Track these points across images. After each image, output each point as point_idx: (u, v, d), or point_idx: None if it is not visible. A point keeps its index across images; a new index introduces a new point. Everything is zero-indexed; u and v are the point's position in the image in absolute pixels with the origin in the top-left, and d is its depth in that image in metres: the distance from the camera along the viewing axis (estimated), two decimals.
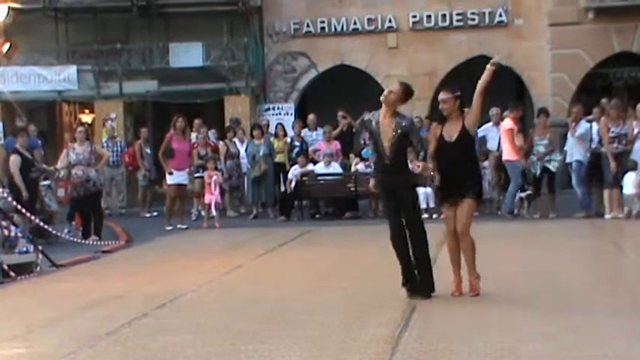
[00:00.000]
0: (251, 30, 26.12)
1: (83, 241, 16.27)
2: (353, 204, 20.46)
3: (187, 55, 25.56)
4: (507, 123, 18.33)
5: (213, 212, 19.04)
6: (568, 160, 18.57)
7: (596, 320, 8.31)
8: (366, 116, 9.98)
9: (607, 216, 17.66)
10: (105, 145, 22.25)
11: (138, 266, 13.62)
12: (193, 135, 21.26)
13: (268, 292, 10.61)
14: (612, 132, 17.73)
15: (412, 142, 9.78)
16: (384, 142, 9.63)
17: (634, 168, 17.45)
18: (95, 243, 16.21)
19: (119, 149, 22.89)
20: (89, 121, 26.19)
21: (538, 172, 18.35)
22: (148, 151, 22.78)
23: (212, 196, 19.19)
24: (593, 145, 18.17)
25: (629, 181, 17.37)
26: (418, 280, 9.63)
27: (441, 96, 9.80)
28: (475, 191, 9.75)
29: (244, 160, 21.39)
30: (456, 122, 9.61)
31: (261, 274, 12.38)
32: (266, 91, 26.56)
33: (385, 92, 9.76)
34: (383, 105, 9.73)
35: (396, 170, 9.66)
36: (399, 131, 9.56)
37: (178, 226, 18.84)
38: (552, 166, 18.38)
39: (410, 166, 10.04)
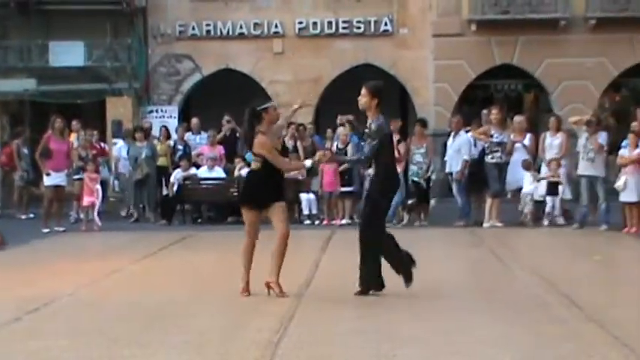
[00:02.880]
0: (135, 31, 25.81)
1: None
2: (235, 209, 20.31)
3: (68, 54, 25.11)
4: None
5: (96, 218, 18.74)
6: (448, 169, 18.82)
7: (471, 326, 8.41)
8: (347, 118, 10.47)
9: (485, 225, 17.98)
10: None
11: (12, 269, 13.23)
12: (73, 136, 20.87)
13: (147, 296, 10.43)
14: (496, 137, 18.06)
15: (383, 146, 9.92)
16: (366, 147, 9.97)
17: (528, 168, 17.89)
18: None
19: None
20: None
21: (420, 181, 18.55)
22: (26, 151, 22.21)
23: (91, 199, 18.86)
24: (474, 155, 18.48)
25: (527, 180, 17.79)
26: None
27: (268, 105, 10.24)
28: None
29: (126, 163, 21.11)
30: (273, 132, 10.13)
31: (140, 279, 12.19)
32: (149, 93, 26.28)
33: (359, 100, 9.91)
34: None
35: (375, 174, 10.00)
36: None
37: (56, 228, 18.44)
38: (423, 178, 18.58)
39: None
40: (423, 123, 19.40)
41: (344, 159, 10.18)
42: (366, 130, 10.01)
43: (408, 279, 9.95)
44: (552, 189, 17.84)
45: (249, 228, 10.20)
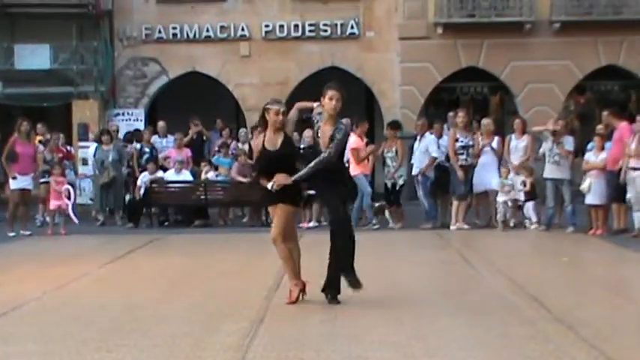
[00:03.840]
0: (101, 34, 25.69)
1: None
2: (203, 212, 20.31)
3: (34, 57, 24.95)
4: (353, 141, 18.18)
5: (73, 216, 18.69)
6: (415, 172, 18.86)
7: (440, 329, 8.45)
8: (318, 110, 9.80)
9: (452, 227, 18.07)
10: None
11: None
12: (39, 139, 20.74)
13: (115, 300, 10.38)
14: (461, 141, 18.17)
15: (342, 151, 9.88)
16: (322, 149, 9.62)
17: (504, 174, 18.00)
18: None
19: None
20: None
21: (389, 183, 18.62)
22: None
23: (58, 202, 18.76)
24: (440, 158, 18.57)
25: (501, 188, 17.97)
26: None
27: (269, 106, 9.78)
28: (291, 199, 9.73)
29: (92, 166, 21.02)
30: (278, 133, 9.70)
31: (108, 282, 12.12)
32: (115, 96, 26.16)
33: (332, 105, 9.56)
34: (327, 114, 9.65)
35: (333, 177, 9.65)
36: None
37: (22, 232, 18.31)
38: (396, 181, 18.61)
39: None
40: (394, 125, 19.41)
41: (300, 175, 9.67)
42: (317, 116, 9.76)
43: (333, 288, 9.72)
44: (532, 192, 17.88)
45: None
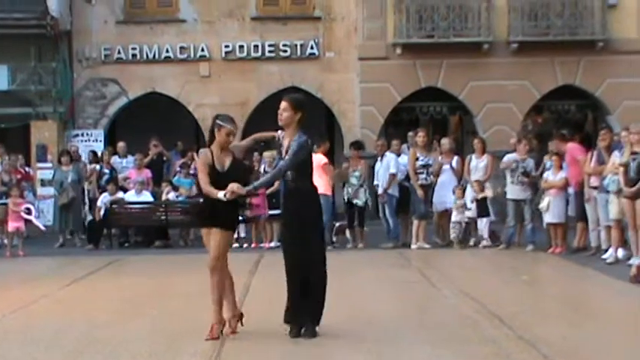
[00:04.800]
0: (60, 54, 25.51)
1: None
2: (163, 232, 20.23)
3: None
4: (321, 158, 18.26)
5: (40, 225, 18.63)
6: (380, 191, 18.85)
7: (403, 348, 8.48)
8: (278, 134, 9.16)
9: (413, 246, 18.14)
10: None
11: None
12: None
13: (76, 321, 10.31)
14: (421, 160, 18.28)
15: (306, 165, 9.11)
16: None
17: (457, 193, 18.09)
18: None
19: None
20: None
21: (357, 202, 18.64)
22: None
23: (16, 224, 18.62)
24: (400, 178, 18.67)
25: (456, 207, 18.10)
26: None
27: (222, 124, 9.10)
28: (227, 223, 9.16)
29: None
30: (226, 153, 9.08)
31: (69, 304, 12.04)
32: (74, 116, 25.98)
33: (279, 116, 9.01)
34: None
35: (299, 195, 9.10)
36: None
37: None
38: (360, 201, 18.65)
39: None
40: (357, 145, 19.47)
41: (255, 186, 9.22)
42: (281, 148, 9.11)
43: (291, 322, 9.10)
44: (483, 210, 18.03)
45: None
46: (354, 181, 18.66)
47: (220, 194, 8.75)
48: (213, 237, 9.12)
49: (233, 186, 8.74)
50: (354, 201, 18.61)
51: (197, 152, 9.80)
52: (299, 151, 8.89)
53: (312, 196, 9.22)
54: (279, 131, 9.18)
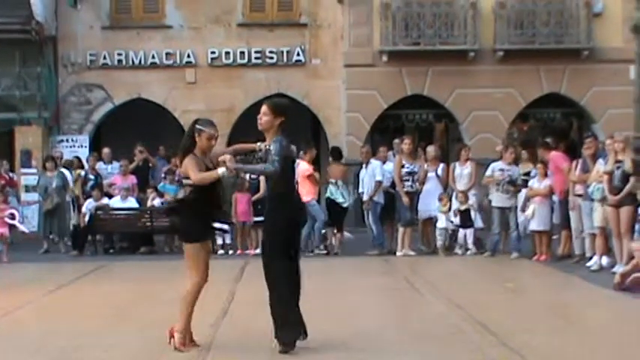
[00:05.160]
0: (45, 60, 25.44)
1: None
2: (148, 239, 20.19)
3: None
4: (306, 168, 18.20)
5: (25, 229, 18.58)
6: (365, 198, 18.87)
7: (389, 356, 8.49)
8: (259, 145, 8.80)
9: (398, 253, 18.15)
10: None
11: None
12: None
13: (61, 328, 10.28)
14: (407, 167, 18.31)
15: (289, 170, 8.76)
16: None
17: (442, 200, 18.11)
18: None
19: None
20: None
21: (339, 199, 18.69)
22: None
23: (0, 230, 18.56)
24: (386, 185, 18.69)
25: (441, 216, 18.16)
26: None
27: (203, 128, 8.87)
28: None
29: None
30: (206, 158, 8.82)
31: (53, 310, 12.00)
32: (59, 122, 25.91)
33: (259, 120, 8.72)
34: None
35: (275, 201, 8.80)
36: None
37: None
38: (340, 198, 18.71)
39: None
40: (334, 155, 19.55)
41: (245, 167, 8.85)
42: (259, 154, 8.78)
43: (285, 345, 8.58)
44: (465, 220, 18.07)
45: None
46: (332, 188, 18.76)
47: (220, 170, 8.43)
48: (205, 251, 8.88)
49: (225, 157, 8.46)
50: (335, 199, 18.67)
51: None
52: (281, 151, 8.51)
53: (275, 204, 8.84)
54: (259, 143, 8.86)
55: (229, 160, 8.41)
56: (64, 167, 21.34)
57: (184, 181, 8.75)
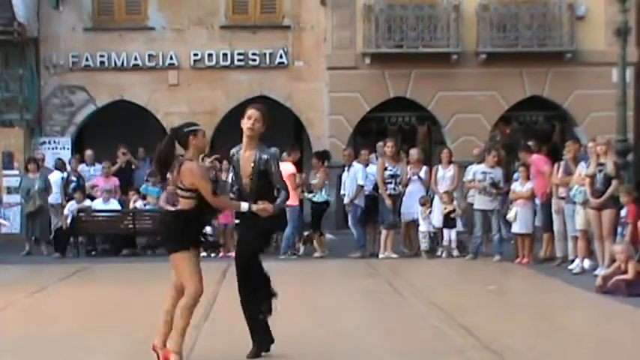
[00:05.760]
0: (27, 61, 25.36)
1: None
2: (130, 241, 20.15)
3: None
4: (290, 167, 18.17)
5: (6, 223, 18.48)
6: (346, 201, 18.90)
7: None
8: (232, 150, 8.80)
9: (381, 256, 18.16)
10: None
11: None
12: None
13: (42, 330, 10.24)
14: (390, 170, 18.32)
15: (271, 180, 8.66)
16: (244, 179, 8.65)
17: (425, 204, 18.12)
18: None
19: None
20: None
21: (315, 197, 18.73)
22: None
23: None
24: (368, 187, 18.70)
25: (423, 218, 18.17)
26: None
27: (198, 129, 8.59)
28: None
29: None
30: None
31: (35, 313, 11.96)
32: (42, 124, 25.82)
33: (249, 124, 8.58)
34: (245, 137, 8.67)
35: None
36: (260, 167, 8.58)
37: None
38: (317, 196, 18.78)
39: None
40: (319, 156, 19.53)
41: (278, 206, 8.77)
42: (233, 159, 8.79)
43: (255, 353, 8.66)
44: (449, 221, 18.12)
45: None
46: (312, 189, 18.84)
47: (245, 206, 8.41)
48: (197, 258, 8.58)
49: (268, 207, 8.46)
50: (312, 197, 18.71)
51: None
52: (279, 169, 8.72)
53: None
54: (233, 149, 8.83)
55: (266, 210, 8.43)
56: (56, 168, 21.30)
57: (180, 193, 8.35)
